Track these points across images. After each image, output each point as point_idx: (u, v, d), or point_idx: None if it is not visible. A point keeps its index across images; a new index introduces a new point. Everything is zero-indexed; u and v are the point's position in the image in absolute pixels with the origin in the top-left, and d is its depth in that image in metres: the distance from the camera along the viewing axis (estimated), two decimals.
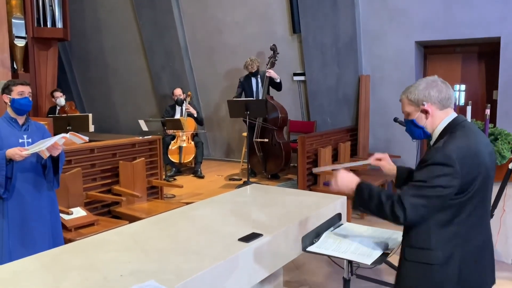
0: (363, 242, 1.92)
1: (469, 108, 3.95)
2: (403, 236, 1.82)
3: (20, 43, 7.37)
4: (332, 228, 2.12)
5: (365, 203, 1.77)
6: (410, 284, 1.77)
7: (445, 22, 5.54)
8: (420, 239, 1.73)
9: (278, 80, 6.06)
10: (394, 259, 2.51)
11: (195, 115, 6.61)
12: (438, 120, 1.79)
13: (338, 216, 2.24)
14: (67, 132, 5.80)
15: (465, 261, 1.71)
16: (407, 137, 5.40)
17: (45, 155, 2.79)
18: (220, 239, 2.27)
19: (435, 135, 1.81)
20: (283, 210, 2.82)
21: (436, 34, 5.66)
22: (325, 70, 6.39)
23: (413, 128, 1.85)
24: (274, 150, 6.05)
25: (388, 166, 2.13)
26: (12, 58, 6.94)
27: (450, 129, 1.75)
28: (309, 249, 1.89)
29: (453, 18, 5.48)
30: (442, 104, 1.78)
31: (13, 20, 7.12)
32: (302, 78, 6.73)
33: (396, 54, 5.96)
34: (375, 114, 6.19)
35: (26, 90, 2.91)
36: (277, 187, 5.03)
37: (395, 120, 4.27)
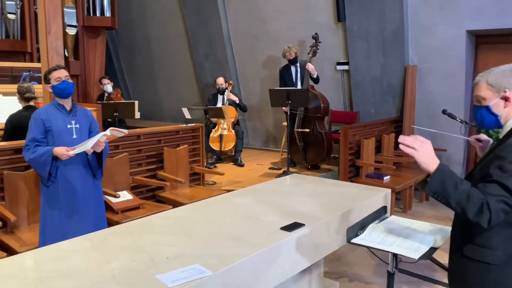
0: (409, 236, 1.88)
1: None
2: (461, 231, 1.74)
3: (71, 31, 7.66)
4: (377, 221, 2.08)
5: (446, 192, 1.60)
6: (468, 282, 1.71)
7: (499, 9, 5.26)
8: (482, 237, 1.66)
9: (314, 76, 6.00)
10: (437, 254, 2.44)
11: (237, 102, 6.67)
12: None
13: (384, 209, 2.20)
14: (114, 118, 5.98)
15: None
16: (454, 130, 5.23)
17: (89, 151, 2.90)
18: (262, 227, 2.28)
19: (507, 127, 1.69)
20: (325, 200, 2.80)
21: (489, 23, 5.38)
22: (369, 59, 6.24)
23: (485, 115, 1.71)
24: (315, 140, 6.00)
25: (483, 150, 2.01)
26: (64, 46, 7.22)
27: None
28: (353, 241, 1.87)
29: (508, 5, 5.19)
30: None
31: (65, 9, 7.39)
32: (345, 67, 6.61)
33: (446, 43, 5.73)
34: (421, 106, 6.00)
35: (62, 74, 2.97)
36: (318, 177, 4.99)
37: (444, 112, 4.14)
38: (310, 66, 5.93)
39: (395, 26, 5.91)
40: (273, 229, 2.25)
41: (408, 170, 5.59)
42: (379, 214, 2.15)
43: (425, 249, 1.80)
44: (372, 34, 6.10)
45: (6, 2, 7.19)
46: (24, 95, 3.94)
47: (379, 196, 2.93)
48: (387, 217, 2.19)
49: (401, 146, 1.68)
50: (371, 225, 2.00)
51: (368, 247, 1.86)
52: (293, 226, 2.24)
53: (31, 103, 3.96)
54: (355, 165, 5.25)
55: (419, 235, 1.89)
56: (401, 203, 5.30)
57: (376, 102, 6.38)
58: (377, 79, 6.27)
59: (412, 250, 1.78)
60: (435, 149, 2.09)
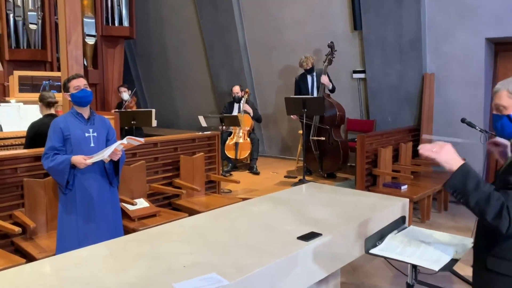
0: (429, 247, 1.84)
1: None
2: (483, 243, 1.70)
3: (91, 41, 7.80)
4: (395, 231, 2.05)
5: (466, 190, 1.59)
6: None
7: None
8: (506, 249, 1.62)
9: (330, 88, 6.00)
10: (457, 266, 2.39)
11: (251, 115, 6.70)
12: None
13: (402, 219, 2.17)
14: (132, 126, 6.05)
15: None
16: (473, 139, 5.13)
17: (106, 160, 2.93)
18: (279, 236, 2.27)
19: None
20: (342, 210, 2.77)
21: (509, 30, 5.30)
22: (386, 67, 6.20)
23: (506, 124, 1.68)
24: (331, 149, 5.97)
25: (502, 155, 1.92)
26: (83, 55, 7.37)
27: None
28: (372, 251, 1.85)
29: None
30: None
31: (84, 19, 7.54)
32: (362, 75, 6.58)
33: (464, 51, 5.66)
34: (439, 114, 5.92)
35: (80, 83, 3.00)
36: (334, 186, 4.96)
37: (463, 121, 4.07)
38: (325, 80, 5.92)
39: (413, 34, 5.87)
40: (290, 238, 2.23)
41: (426, 180, 5.50)
42: (398, 224, 2.11)
43: (445, 260, 1.76)
44: (389, 42, 6.07)
45: (28, 13, 7.38)
46: (47, 100, 4.02)
47: (397, 206, 2.89)
48: (406, 227, 2.16)
49: (420, 151, 1.68)
50: (389, 236, 1.97)
51: (387, 258, 1.83)
52: (310, 236, 2.22)
53: (53, 110, 4.04)
54: (372, 174, 5.20)
55: (439, 246, 1.85)
56: (419, 213, 5.22)
57: (393, 111, 6.32)
58: (394, 87, 6.22)
59: (432, 261, 1.74)
60: None
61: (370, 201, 2.98)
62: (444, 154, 1.64)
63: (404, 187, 5.02)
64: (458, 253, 1.83)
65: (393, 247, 1.87)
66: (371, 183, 5.21)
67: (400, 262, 1.85)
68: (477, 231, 1.76)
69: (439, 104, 5.93)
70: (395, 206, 2.88)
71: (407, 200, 3.02)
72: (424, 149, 1.67)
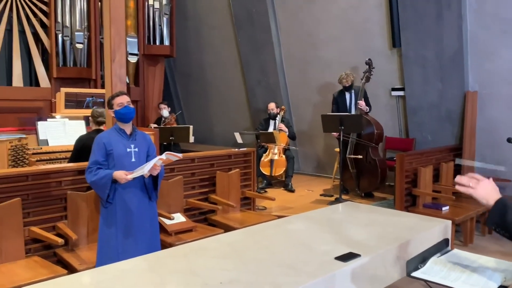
0: (475, 272, 1.76)
1: None
2: None
3: (133, 59, 8.09)
4: (438, 254, 1.97)
5: (506, 224, 1.55)
6: None
7: None
8: None
9: (366, 111, 5.98)
10: None
11: (287, 133, 6.70)
12: None
13: (446, 242, 2.08)
14: (170, 142, 6.18)
15: None
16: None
17: (146, 175, 3.01)
18: (316, 256, 2.23)
19: None
20: (381, 230, 2.69)
21: None
22: (426, 85, 6.07)
23: None
24: (369, 167, 5.86)
25: None
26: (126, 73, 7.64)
27: None
28: (414, 274, 1.78)
29: None
30: None
31: (127, 39, 7.84)
32: (401, 93, 6.46)
33: (509, 68, 5.46)
34: (483, 134, 5.71)
35: (124, 100, 3.12)
36: (372, 206, 4.85)
37: (509, 140, 3.92)
38: (362, 105, 5.87)
39: (454, 51, 5.73)
40: (327, 258, 2.19)
41: (469, 201, 5.27)
42: (441, 247, 2.03)
43: (493, 287, 1.68)
44: (429, 60, 5.95)
45: (75, 33, 7.76)
46: (97, 119, 4.21)
47: (439, 228, 2.78)
48: (449, 250, 2.07)
49: (457, 187, 1.65)
50: (432, 259, 1.89)
51: (430, 282, 1.76)
52: (348, 256, 2.17)
53: (101, 126, 4.21)
54: (412, 194, 5.05)
55: (486, 272, 1.77)
56: (461, 235, 5.00)
57: (434, 129, 6.16)
58: (435, 106, 6.06)
59: (479, 287, 1.66)
60: (499, 180, 1.97)
61: (410, 222, 2.89)
62: (481, 189, 1.60)
63: (445, 208, 4.84)
64: (507, 279, 1.74)
65: (437, 271, 1.80)
66: (410, 204, 5.05)
67: (444, 287, 1.77)
68: None
69: (482, 123, 5.72)
70: (437, 227, 2.78)
71: (449, 222, 2.90)
72: (461, 185, 1.64)
